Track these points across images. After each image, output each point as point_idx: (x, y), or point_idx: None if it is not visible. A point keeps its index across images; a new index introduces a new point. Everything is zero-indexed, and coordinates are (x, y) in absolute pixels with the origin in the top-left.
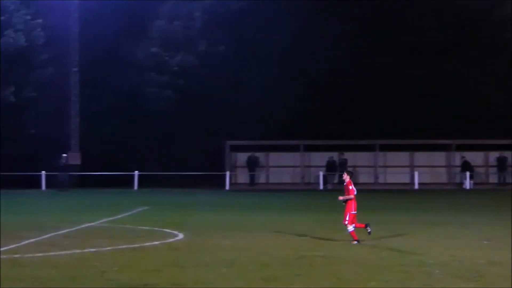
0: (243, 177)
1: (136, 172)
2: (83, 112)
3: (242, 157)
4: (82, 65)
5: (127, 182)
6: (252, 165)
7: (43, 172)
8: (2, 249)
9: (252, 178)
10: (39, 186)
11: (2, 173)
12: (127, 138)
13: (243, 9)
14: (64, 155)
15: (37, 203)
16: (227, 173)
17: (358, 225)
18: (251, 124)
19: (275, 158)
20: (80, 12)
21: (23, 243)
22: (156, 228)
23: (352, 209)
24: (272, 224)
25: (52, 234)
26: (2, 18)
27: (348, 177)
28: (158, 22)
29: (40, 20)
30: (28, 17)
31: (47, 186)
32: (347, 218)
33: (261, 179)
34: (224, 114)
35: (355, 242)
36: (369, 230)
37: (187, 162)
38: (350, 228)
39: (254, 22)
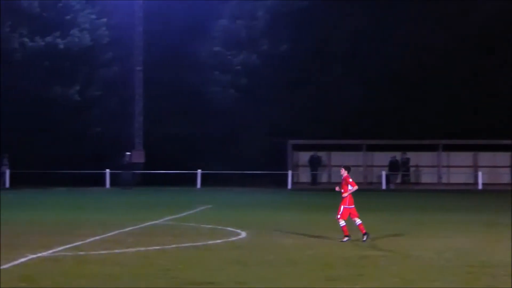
0: (305, 176)
1: (199, 171)
2: (147, 111)
3: (304, 156)
4: (146, 64)
5: (190, 180)
6: (314, 164)
7: (107, 170)
8: (68, 246)
9: (314, 177)
10: (103, 184)
11: (67, 171)
12: (190, 136)
13: (306, 9)
14: (128, 153)
15: (102, 201)
16: (289, 172)
17: (361, 227)
18: (314, 123)
19: (337, 157)
20: (144, 11)
21: (88, 240)
22: (219, 227)
23: (346, 203)
24: (334, 224)
25: (117, 231)
26: (68, 17)
27: (346, 171)
28: (221, 21)
29: (104, 19)
30: (93, 16)
31: (111, 184)
32: (341, 212)
33: (323, 178)
34: (286, 113)
35: (347, 238)
36: (364, 239)
37: (249, 161)
38: (342, 223)
39: (316, 21)
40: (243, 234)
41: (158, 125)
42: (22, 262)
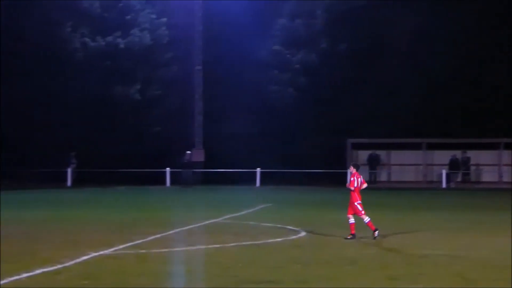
0: (364, 175)
1: (258, 169)
2: (207, 109)
3: (363, 155)
4: (206, 63)
5: (250, 179)
6: (373, 163)
7: (168, 169)
8: (129, 244)
9: (372, 176)
10: (163, 182)
11: (128, 170)
12: (249, 135)
13: (364, 7)
14: (188, 152)
15: (162, 199)
16: (349, 171)
17: (352, 226)
18: (373, 121)
19: (397, 156)
20: (204, 11)
21: (148, 238)
22: (279, 225)
23: (358, 199)
24: (393, 223)
25: (177, 230)
26: (128, 17)
27: (355, 169)
28: (280, 20)
29: (164, 19)
30: (153, 16)
31: (172, 182)
32: (360, 209)
33: (383, 177)
34: (345, 111)
35: (377, 232)
36: (348, 237)
37: (308, 160)
38: (366, 218)
39: (375, 19)
40: (303, 233)
41: (218, 124)
42: (84, 260)
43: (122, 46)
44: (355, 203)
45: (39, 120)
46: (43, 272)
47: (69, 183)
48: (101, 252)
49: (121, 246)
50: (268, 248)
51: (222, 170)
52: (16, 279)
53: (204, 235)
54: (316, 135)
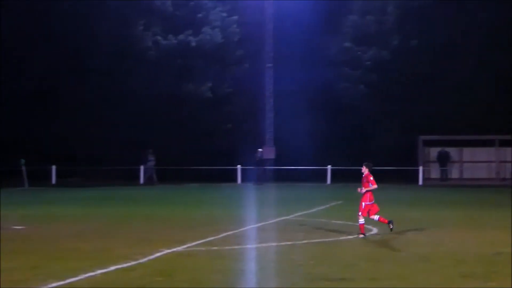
0: (436, 172)
1: (329, 167)
2: (277, 107)
3: (435, 152)
4: (276, 60)
5: (320, 176)
6: (443, 160)
7: (239, 167)
8: (201, 241)
9: (443, 173)
10: (234, 180)
11: (199, 167)
12: (320, 132)
13: (436, 3)
14: (259, 149)
15: (233, 196)
16: (420, 168)
17: (381, 219)
18: (445, 118)
19: (469, 153)
20: (274, 8)
21: (221, 235)
22: (350, 223)
23: (367, 200)
24: (467, 220)
25: (249, 227)
26: (199, 15)
27: (367, 169)
28: (351, 17)
29: (235, 17)
30: (224, 14)
31: (243, 180)
32: (363, 209)
33: (454, 174)
34: (417, 108)
35: (362, 235)
36: (391, 227)
37: (379, 157)
38: (361, 220)
39: (447, 15)
40: (375, 230)
41: (288, 121)
42: (157, 257)
43: (193, 44)
44: (363, 202)
45: (114, 118)
46: (117, 269)
47: (141, 180)
48: (174, 249)
49: (193, 243)
50: (340, 245)
51: (292, 168)
52: (91, 276)
53: (275, 232)
54: (387, 132)
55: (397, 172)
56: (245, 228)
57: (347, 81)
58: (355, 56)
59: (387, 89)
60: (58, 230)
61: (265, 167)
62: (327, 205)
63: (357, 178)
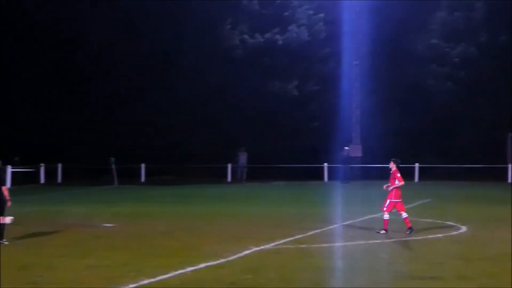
0: None
1: (417, 165)
2: (364, 104)
3: None
4: (363, 58)
5: (407, 174)
6: None
7: (325, 164)
8: (289, 239)
9: None
10: (321, 178)
11: (286, 165)
12: (407, 130)
13: None
14: (346, 147)
15: (320, 194)
16: (510, 166)
17: (407, 220)
18: None
19: None
20: (361, 6)
21: (308, 233)
22: (439, 221)
23: (392, 197)
24: None
25: (336, 225)
26: (286, 13)
27: (395, 165)
28: (438, 14)
29: (322, 15)
30: (311, 12)
31: (329, 178)
32: (386, 205)
33: None
34: (506, 105)
35: (383, 231)
36: (408, 232)
37: (467, 155)
38: (386, 216)
39: None
40: (464, 228)
41: (375, 119)
42: (246, 254)
43: (280, 42)
44: (388, 199)
45: (202, 117)
46: (207, 266)
47: (229, 178)
48: (262, 247)
49: (281, 241)
50: (429, 243)
51: (379, 166)
52: (181, 273)
53: (363, 230)
54: (476, 129)
55: (486, 170)
56: (332, 226)
57: (435, 78)
58: (443, 52)
59: (476, 86)
60: (148, 228)
61: (352, 165)
62: (415, 203)
63: (445, 176)
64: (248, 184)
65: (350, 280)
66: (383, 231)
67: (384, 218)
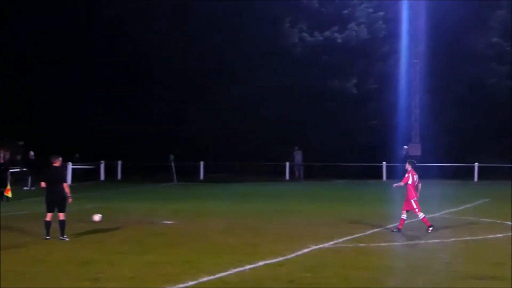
0: None
1: (476, 164)
2: (423, 103)
3: None
4: (422, 56)
5: (467, 173)
6: None
7: (384, 163)
8: (348, 237)
9: None
10: (380, 176)
11: (345, 164)
12: (466, 129)
13: None
14: (405, 146)
15: (379, 193)
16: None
17: (402, 222)
18: None
19: None
20: (421, 4)
21: (367, 232)
22: (498, 221)
23: (414, 196)
24: None
25: (395, 224)
26: (345, 12)
27: (410, 166)
28: (498, 12)
29: (381, 13)
30: (370, 10)
31: (388, 177)
32: (414, 206)
33: None
34: None
35: (431, 228)
36: (394, 231)
37: None
38: (421, 215)
39: None
40: None
41: (434, 117)
42: (305, 253)
43: (339, 40)
44: (411, 200)
45: (260, 115)
46: (265, 264)
47: (287, 176)
48: (321, 245)
49: (340, 240)
50: (488, 243)
51: (438, 165)
52: (240, 271)
53: (422, 230)
54: None
55: None
56: (392, 225)
57: (495, 76)
58: (503, 51)
59: None
60: (207, 225)
61: None
62: (475, 203)
63: (505, 176)
64: (306, 182)
65: (409, 280)
66: (430, 228)
67: (420, 217)
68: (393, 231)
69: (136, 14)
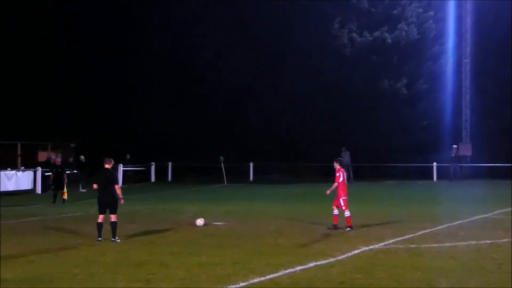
0: None
1: None
2: (474, 103)
3: None
4: (474, 56)
5: None
6: None
7: (434, 164)
8: (399, 238)
9: None
10: (430, 177)
11: (395, 164)
12: None
13: None
14: (455, 146)
15: (430, 193)
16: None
17: (336, 218)
18: None
19: None
20: (472, 3)
21: (418, 233)
22: None
23: (343, 195)
24: None
25: (447, 225)
26: (395, 12)
27: (338, 164)
28: None
29: (431, 13)
30: (420, 10)
31: (438, 177)
32: (342, 204)
33: None
34: None
35: (349, 229)
36: (330, 228)
37: None
38: (347, 213)
39: None
40: None
41: (485, 117)
42: (355, 254)
43: (389, 40)
44: (340, 199)
45: (308, 116)
46: (316, 266)
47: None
48: (372, 246)
49: (391, 241)
50: None
51: (489, 165)
52: (291, 272)
53: (474, 231)
54: None
55: None
56: (443, 226)
57: None
58: None
59: None
60: (258, 226)
61: (462, 164)
62: None
63: None
64: (356, 183)
65: (461, 281)
66: (348, 229)
67: (345, 215)
68: (329, 228)
69: (192, 17)
